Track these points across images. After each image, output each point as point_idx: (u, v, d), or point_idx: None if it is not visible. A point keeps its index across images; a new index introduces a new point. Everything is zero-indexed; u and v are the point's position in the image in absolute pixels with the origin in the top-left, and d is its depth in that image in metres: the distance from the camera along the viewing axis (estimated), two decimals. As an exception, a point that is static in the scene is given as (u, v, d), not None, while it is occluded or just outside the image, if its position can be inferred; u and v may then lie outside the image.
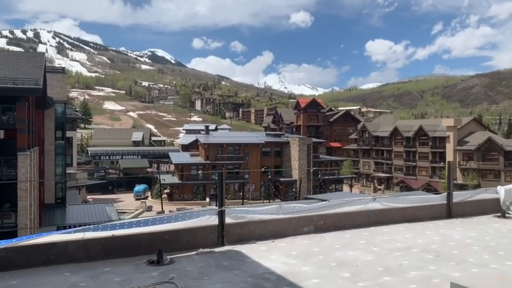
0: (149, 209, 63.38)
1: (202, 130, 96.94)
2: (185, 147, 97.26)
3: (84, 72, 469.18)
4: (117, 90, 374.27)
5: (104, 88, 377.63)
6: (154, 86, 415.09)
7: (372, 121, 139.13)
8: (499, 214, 9.56)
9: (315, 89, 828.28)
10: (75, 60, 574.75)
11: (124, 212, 55.63)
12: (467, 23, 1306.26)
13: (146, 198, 73.58)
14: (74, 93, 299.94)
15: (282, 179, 74.95)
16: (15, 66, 26.94)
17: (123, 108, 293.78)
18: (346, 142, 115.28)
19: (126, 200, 70.69)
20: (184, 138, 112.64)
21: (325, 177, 78.16)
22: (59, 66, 60.32)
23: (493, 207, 9.83)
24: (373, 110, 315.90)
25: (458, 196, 9.69)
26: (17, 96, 24.99)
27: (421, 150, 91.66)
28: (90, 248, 6.14)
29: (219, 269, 5.81)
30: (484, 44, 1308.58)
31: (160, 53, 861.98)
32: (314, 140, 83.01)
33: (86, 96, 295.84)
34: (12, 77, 24.58)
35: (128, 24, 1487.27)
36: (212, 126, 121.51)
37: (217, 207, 6.98)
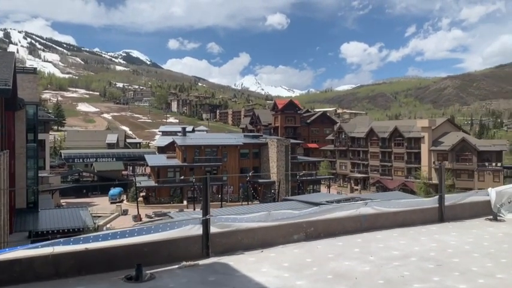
0: (125, 212, 62.12)
1: (179, 132, 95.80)
2: (161, 149, 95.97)
3: (57, 73, 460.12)
4: (91, 92, 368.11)
5: (77, 89, 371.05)
6: (129, 87, 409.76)
7: (348, 122, 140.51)
8: (491, 217, 9.30)
9: (291, 90, 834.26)
10: (47, 61, 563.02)
11: (99, 216, 54.35)
12: (439, 25, 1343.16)
13: (122, 201, 72.04)
14: (46, 95, 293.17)
15: (260, 181, 74.69)
16: (-18, 66, 25.68)
17: (97, 109, 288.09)
18: (323, 143, 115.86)
19: (101, 204, 69.01)
20: (160, 140, 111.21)
21: (303, 178, 78.20)
22: (30, 66, 58.52)
23: (484, 210, 9.57)
24: (348, 111, 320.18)
25: (450, 199, 9.38)
26: (-16, 98, 23.82)
27: (396, 151, 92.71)
28: (60, 263, 5.45)
29: (205, 285, 5.24)
30: (455, 47, 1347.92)
31: (135, 53, 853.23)
32: (292, 141, 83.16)
33: (59, 98, 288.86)
34: (-22, 77, 23.37)
35: (102, 24, 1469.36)
36: (189, 128, 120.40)
37: (200, 216, 6.42)
